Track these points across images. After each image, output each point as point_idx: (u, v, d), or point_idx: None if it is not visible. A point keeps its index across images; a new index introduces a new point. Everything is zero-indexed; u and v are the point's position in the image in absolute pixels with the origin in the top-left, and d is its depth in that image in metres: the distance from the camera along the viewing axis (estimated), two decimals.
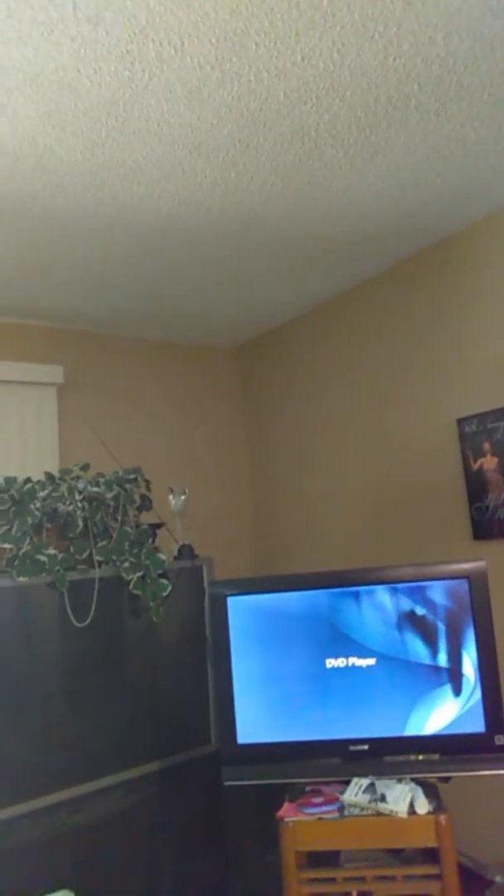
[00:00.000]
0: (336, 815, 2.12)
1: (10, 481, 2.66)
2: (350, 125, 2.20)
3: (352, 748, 2.26)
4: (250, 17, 1.72)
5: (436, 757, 2.22)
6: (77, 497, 2.73)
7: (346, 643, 2.31)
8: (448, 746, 2.22)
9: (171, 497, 3.12)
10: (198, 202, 2.58)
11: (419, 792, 2.13)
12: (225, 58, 1.85)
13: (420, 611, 2.28)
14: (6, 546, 2.57)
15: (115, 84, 1.92)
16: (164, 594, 2.75)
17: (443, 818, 2.05)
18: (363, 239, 3.04)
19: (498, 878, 2.59)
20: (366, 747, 2.25)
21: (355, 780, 2.20)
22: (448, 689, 2.24)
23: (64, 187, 2.41)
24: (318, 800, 2.19)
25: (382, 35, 1.82)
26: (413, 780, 2.19)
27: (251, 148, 2.27)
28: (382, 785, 2.16)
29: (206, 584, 2.95)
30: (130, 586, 2.71)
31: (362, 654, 2.29)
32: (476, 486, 2.89)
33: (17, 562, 2.53)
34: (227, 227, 2.81)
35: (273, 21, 1.74)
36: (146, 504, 2.96)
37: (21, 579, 2.52)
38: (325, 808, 2.15)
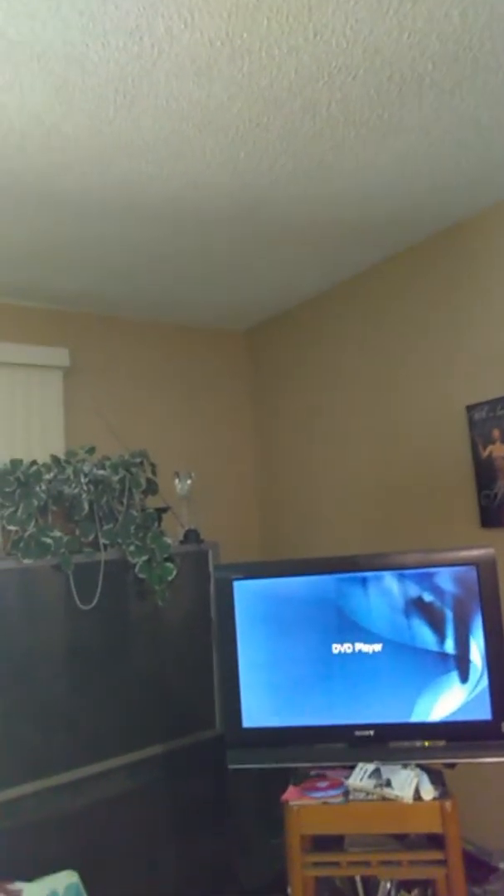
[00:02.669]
0: (341, 799, 2.13)
1: (15, 464, 2.65)
2: (363, 104, 2.16)
3: (357, 733, 2.26)
4: None
5: (441, 743, 2.22)
6: (83, 480, 2.72)
7: (352, 629, 2.30)
8: (454, 733, 2.21)
9: (176, 481, 3.11)
10: (206, 182, 2.55)
11: (424, 778, 2.13)
12: (236, 33, 1.81)
13: (427, 597, 2.27)
14: (12, 528, 2.56)
15: (123, 59, 1.88)
16: (170, 578, 2.75)
17: (448, 804, 2.05)
18: (373, 223, 3.00)
19: (502, 865, 2.59)
20: (371, 733, 2.25)
21: (360, 765, 2.20)
22: (455, 675, 2.23)
23: (70, 166, 2.38)
24: (323, 784, 2.19)
25: (397, 11, 1.78)
26: (418, 766, 2.19)
27: (261, 127, 2.23)
28: (388, 770, 2.16)
29: (211, 569, 2.94)
30: (136, 570, 2.71)
31: (369, 639, 2.29)
32: (485, 474, 2.86)
33: (22, 544, 2.53)
34: (235, 209, 2.77)
35: None
36: (152, 488, 2.95)
37: (26, 561, 2.52)
38: (329, 793, 2.15)
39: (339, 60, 1.95)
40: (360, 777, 2.15)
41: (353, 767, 2.20)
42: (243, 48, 1.87)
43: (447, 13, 1.81)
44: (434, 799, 2.07)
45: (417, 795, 2.07)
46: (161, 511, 2.92)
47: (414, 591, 2.28)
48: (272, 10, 1.75)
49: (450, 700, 2.22)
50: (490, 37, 1.90)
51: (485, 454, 2.87)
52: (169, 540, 2.79)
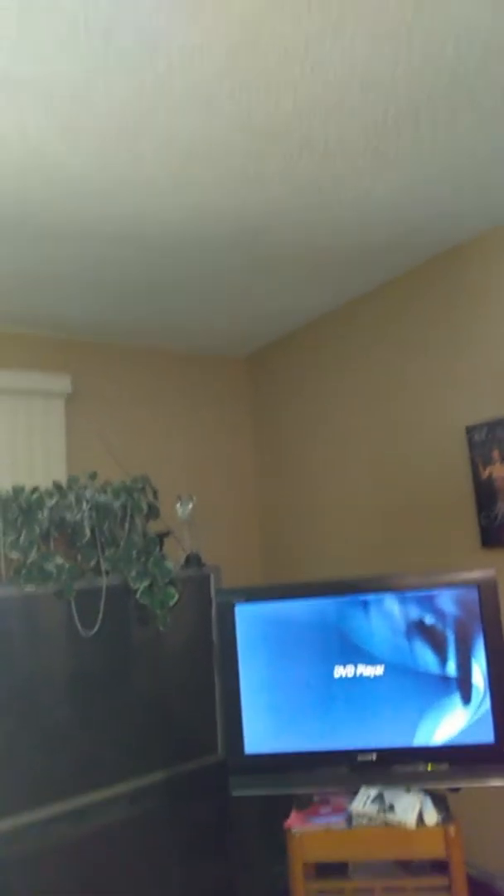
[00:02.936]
0: (344, 825, 2.12)
1: (17, 490, 2.67)
2: (359, 136, 2.21)
3: (360, 758, 2.25)
4: (259, 28, 1.73)
5: (445, 767, 2.21)
6: (85, 506, 2.73)
7: (354, 652, 2.30)
8: (457, 756, 2.20)
9: (178, 505, 3.13)
10: (207, 214, 2.60)
11: (428, 802, 2.12)
12: (235, 69, 1.86)
13: (429, 619, 2.28)
14: (14, 555, 2.57)
15: (126, 96, 1.93)
16: (172, 603, 2.75)
17: (452, 829, 2.04)
18: (371, 249, 3.04)
19: None
20: (374, 757, 2.24)
21: (363, 789, 2.19)
22: (457, 698, 2.23)
23: (74, 200, 2.42)
24: (326, 809, 2.19)
25: (392, 45, 1.83)
26: (422, 790, 2.18)
27: (261, 160, 2.28)
28: (391, 795, 2.15)
29: (213, 593, 2.95)
30: (138, 595, 2.71)
31: (371, 662, 2.29)
32: (485, 494, 2.88)
33: (24, 571, 2.54)
34: (236, 239, 2.82)
35: (283, 32, 1.75)
36: (153, 512, 2.96)
37: (28, 588, 2.52)
38: (332, 818, 2.14)
39: (335, 94, 2.00)
40: (363, 802, 2.14)
41: (356, 792, 2.19)
42: (243, 84, 1.92)
43: (441, 47, 1.86)
44: (437, 824, 2.06)
45: (421, 820, 2.06)
46: (162, 535, 2.93)
47: (415, 613, 2.29)
48: (271, 47, 1.80)
49: (452, 723, 2.22)
50: (484, 68, 1.95)
51: (485, 475, 2.89)
52: (170, 564, 2.80)
